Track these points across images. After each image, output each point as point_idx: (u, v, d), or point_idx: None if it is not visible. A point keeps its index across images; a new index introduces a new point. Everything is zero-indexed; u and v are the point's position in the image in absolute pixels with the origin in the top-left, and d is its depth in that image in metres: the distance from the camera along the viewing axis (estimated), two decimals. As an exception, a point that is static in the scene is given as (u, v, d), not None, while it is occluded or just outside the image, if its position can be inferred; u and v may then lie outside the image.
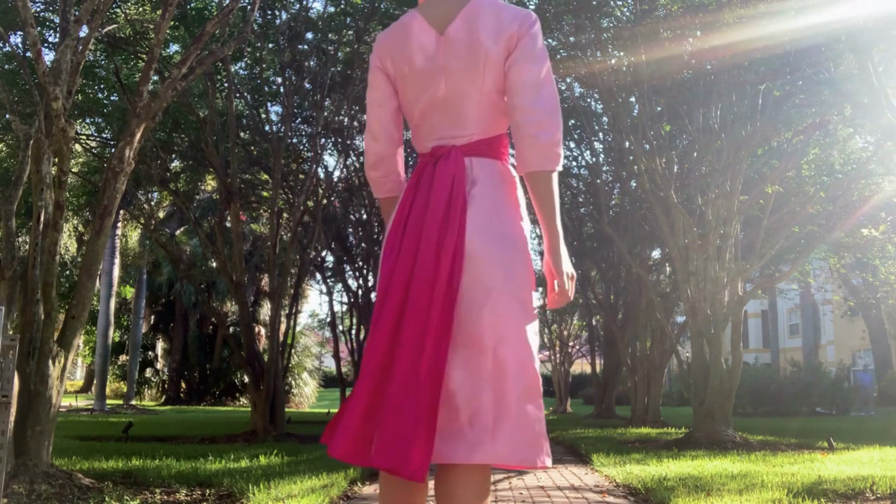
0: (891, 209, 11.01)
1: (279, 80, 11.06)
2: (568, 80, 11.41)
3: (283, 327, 11.85)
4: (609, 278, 15.95)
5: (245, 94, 10.58)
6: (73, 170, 12.12)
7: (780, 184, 9.46)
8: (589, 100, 12.71)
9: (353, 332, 15.06)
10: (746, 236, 10.23)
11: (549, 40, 9.85)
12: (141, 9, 9.61)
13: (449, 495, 1.64)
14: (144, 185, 11.81)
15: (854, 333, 30.34)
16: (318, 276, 17.62)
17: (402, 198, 1.86)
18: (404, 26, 1.90)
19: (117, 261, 20.00)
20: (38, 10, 9.00)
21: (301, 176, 11.32)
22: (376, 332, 1.72)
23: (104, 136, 11.58)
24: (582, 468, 6.24)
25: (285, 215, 10.95)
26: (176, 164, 12.76)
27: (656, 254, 15.71)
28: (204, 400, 27.71)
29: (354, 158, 14.68)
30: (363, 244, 15.52)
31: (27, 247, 4.54)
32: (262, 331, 23.41)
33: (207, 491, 4.28)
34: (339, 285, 16.36)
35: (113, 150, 7.39)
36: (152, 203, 15.92)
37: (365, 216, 15.38)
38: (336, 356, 15.03)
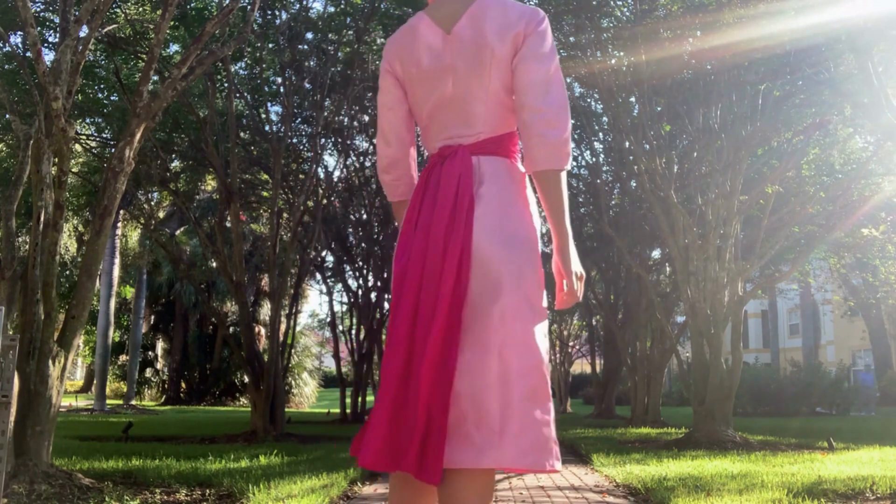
0: (891, 209, 11.01)
1: (279, 80, 11.07)
2: (568, 80, 11.41)
3: (283, 327, 11.86)
4: (609, 278, 15.96)
5: (245, 94, 10.58)
6: (73, 170, 12.12)
7: (780, 184, 9.46)
8: (589, 100, 12.72)
9: (353, 332, 15.06)
10: (746, 236, 10.23)
11: (549, 40, 9.81)
12: (141, 9, 9.61)
13: (452, 498, 1.62)
14: (144, 185, 11.81)
15: (854, 333, 30.34)
16: (318, 276, 17.62)
17: (412, 199, 1.85)
18: (412, 28, 1.90)
19: (117, 261, 20.00)
20: (38, 10, 9.00)
21: (301, 176, 11.32)
22: (392, 338, 1.70)
23: (104, 136, 11.58)
24: (582, 468, 6.24)
25: (285, 215, 10.95)
26: (176, 164, 12.76)
27: (656, 254, 15.72)
28: (204, 400, 27.71)
29: (354, 158, 14.68)
30: (363, 244, 15.52)
31: (27, 247, 4.54)
32: (262, 331, 23.41)
33: (207, 491, 4.28)
34: (339, 285, 16.38)
35: (113, 150, 7.39)
36: (152, 203, 15.92)
37: (365, 216, 15.38)
38: (336, 356, 15.03)
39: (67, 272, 18.86)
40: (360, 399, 14.63)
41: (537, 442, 1.62)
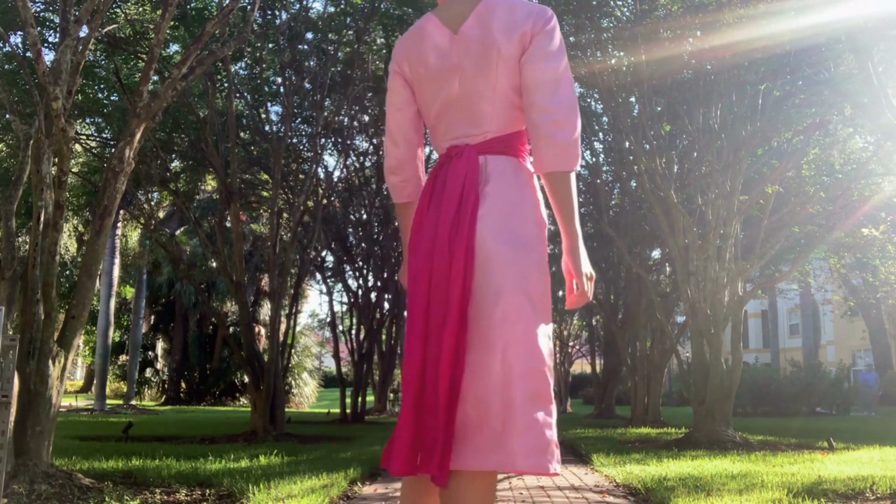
0: (891, 209, 11.01)
1: (279, 80, 11.07)
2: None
3: (283, 327, 11.86)
4: (609, 278, 15.96)
5: (245, 94, 10.59)
6: (73, 170, 12.12)
7: (780, 184, 9.46)
8: (589, 100, 12.72)
9: (353, 332, 15.06)
10: (746, 236, 10.23)
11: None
12: (141, 9, 9.61)
13: (453, 500, 1.62)
14: (144, 185, 11.81)
15: (854, 333, 30.35)
16: (318, 276, 17.63)
17: (420, 199, 1.85)
18: (420, 29, 1.89)
19: (117, 261, 20.00)
20: (38, 10, 9.00)
21: (301, 176, 11.32)
22: (409, 342, 1.70)
23: (104, 136, 11.58)
24: (582, 468, 6.24)
25: (285, 215, 10.95)
26: (176, 164, 12.76)
27: (656, 254, 15.72)
28: (204, 400, 27.72)
29: (354, 158, 14.68)
30: (363, 244, 15.53)
31: (27, 247, 4.54)
32: (262, 331, 23.42)
33: (207, 491, 4.28)
34: (339, 285, 16.39)
35: (113, 150, 7.39)
36: (152, 203, 15.92)
37: (365, 216, 15.38)
38: (336, 356, 15.03)
39: (67, 272, 18.87)
40: (360, 399, 14.63)
41: (538, 444, 1.60)
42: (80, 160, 14.46)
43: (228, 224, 10.06)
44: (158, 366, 29.86)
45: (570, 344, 25.85)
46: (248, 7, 8.39)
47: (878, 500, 4.00)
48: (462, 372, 1.62)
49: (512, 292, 1.66)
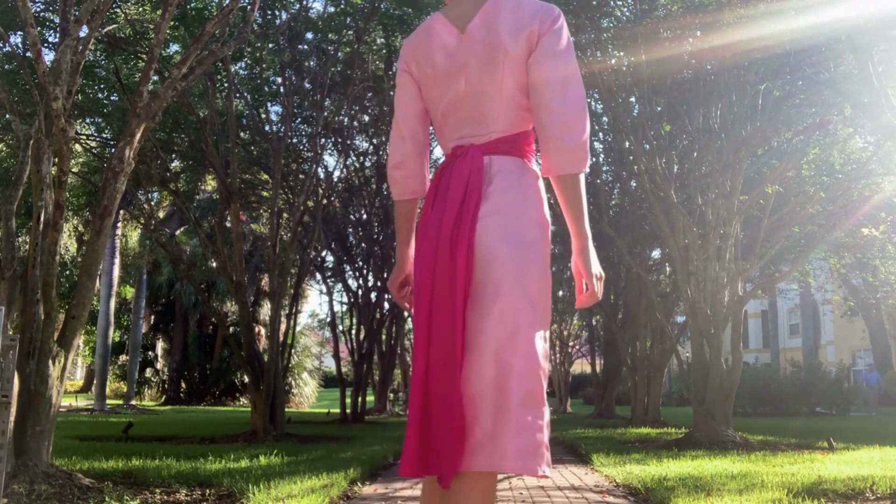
0: (891, 209, 11.00)
1: (279, 80, 11.07)
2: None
3: (283, 327, 11.86)
4: (609, 278, 15.95)
5: (245, 94, 10.58)
6: (73, 170, 12.12)
7: (780, 184, 9.46)
8: (589, 100, 12.72)
9: (353, 332, 15.06)
10: (746, 236, 10.23)
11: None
12: (141, 9, 9.61)
13: (453, 500, 1.62)
14: (144, 185, 11.82)
15: (854, 333, 30.35)
16: (318, 276, 17.63)
17: (425, 200, 1.85)
18: (428, 29, 1.89)
19: (117, 261, 20.00)
20: (38, 10, 9.00)
21: (301, 176, 11.32)
22: (416, 344, 1.70)
23: (104, 136, 11.58)
24: (582, 468, 6.24)
25: (285, 215, 10.95)
26: (176, 164, 12.76)
27: (656, 254, 15.72)
28: (204, 400, 27.72)
29: (354, 158, 14.69)
30: (363, 244, 15.53)
31: (27, 247, 4.54)
32: (262, 331, 23.42)
33: (207, 491, 4.28)
34: (339, 285, 16.39)
35: (113, 150, 7.39)
36: (152, 203, 15.93)
37: (365, 216, 15.38)
38: (336, 356, 15.03)
39: (67, 272, 18.87)
40: (360, 399, 14.64)
41: (529, 446, 1.59)
42: (80, 160, 14.45)
43: (228, 224, 10.06)
44: (158, 366, 29.86)
45: (570, 344, 25.85)
46: (248, 7, 8.39)
47: (878, 500, 4.00)
48: (460, 373, 1.62)
49: (510, 292, 1.65)
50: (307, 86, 11.05)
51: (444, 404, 1.61)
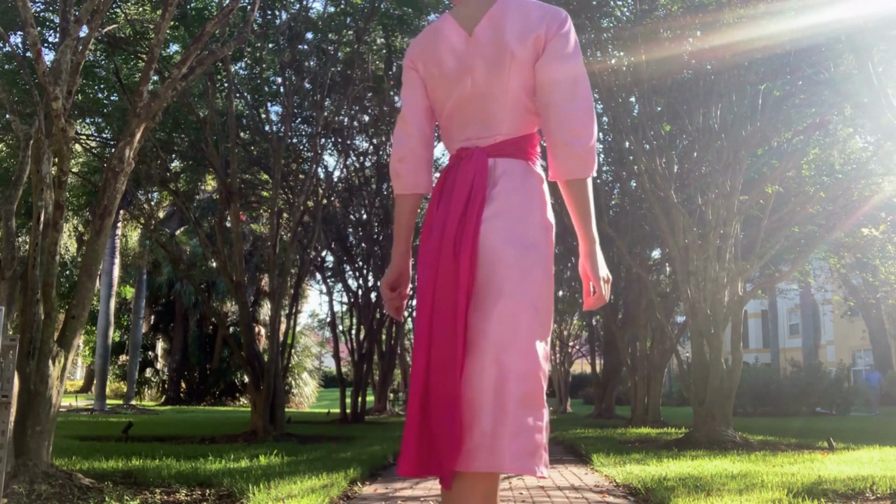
0: (891, 209, 11.01)
1: (279, 80, 11.07)
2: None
3: (283, 327, 11.86)
4: (609, 278, 15.94)
5: (245, 94, 10.58)
6: (73, 170, 12.12)
7: (780, 184, 9.46)
8: (589, 100, 12.70)
9: (353, 332, 15.06)
10: (746, 236, 10.23)
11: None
12: (141, 9, 9.61)
13: (455, 501, 1.62)
14: (144, 185, 11.81)
15: (854, 333, 30.36)
16: (318, 276, 17.63)
17: (430, 202, 1.85)
18: (435, 30, 1.89)
19: (117, 261, 20.00)
20: (38, 10, 9.00)
21: (301, 176, 11.32)
22: (417, 344, 1.70)
23: (104, 136, 11.58)
24: (582, 468, 6.24)
25: (285, 215, 10.95)
26: (176, 164, 12.76)
27: (656, 254, 15.72)
28: (204, 400, 27.72)
29: (354, 158, 14.69)
30: (363, 244, 15.53)
31: (27, 247, 4.54)
32: (262, 331, 23.42)
33: (207, 491, 4.28)
34: (339, 285, 16.39)
35: (113, 150, 7.39)
36: (152, 203, 15.93)
37: (365, 216, 15.38)
38: (336, 356, 15.04)
39: (67, 272, 18.87)
40: (360, 399, 14.64)
41: (527, 448, 1.60)
42: (80, 160, 14.45)
43: (228, 224, 10.06)
44: (158, 366, 29.86)
45: (570, 344, 25.84)
46: (248, 7, 8.38)
47: (878, 500, 4.00)
48: (460, 374, 1.62)
49: (513, 293, 1.65)
50: (307, 86, 11.05)
51: (444, 404, 1.61)
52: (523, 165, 1.80)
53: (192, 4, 9.40)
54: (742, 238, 9.48)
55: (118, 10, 9.20)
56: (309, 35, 11.00)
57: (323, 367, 34.79)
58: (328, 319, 16.58)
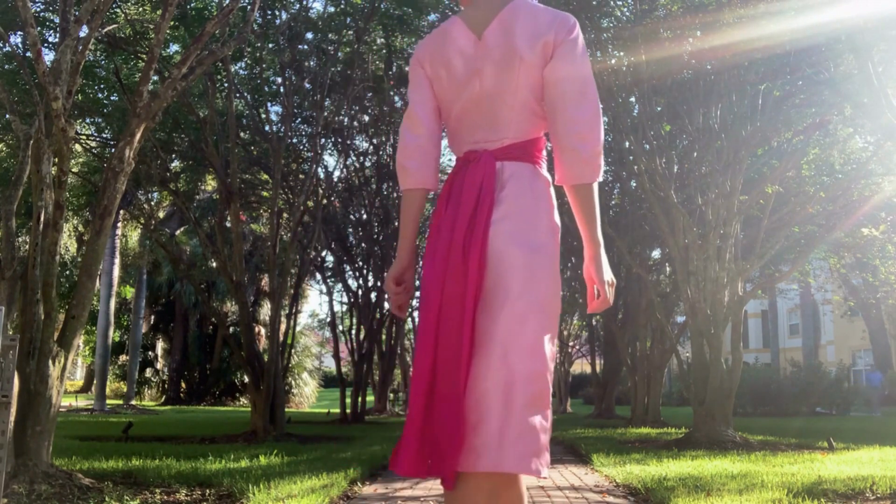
0: (891, 209, 11.00)
1: (279, 80, 11.07)
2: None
3: (283, 327, 11.86)
4: (609, 278, 15.94)
5: (245, 94, 10.58)
6: (73, 170, 12.12)
7: (780, 184, 9.46)
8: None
9: (353, 332, 15.06)
10: (746, 236, 10.23)
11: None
12: (141, 9, 9.61)
13: (458, 501, 1.62)
14: (144, 185, 11.81)
15: (854, 333, 30.36)
16: (318, 276, 17.63)
17: (437, 203, 1.86)
18: (444, 31, 1.90)
19: (117, 261, 20.00)
20: (38, 10, 9.00)
21: (301, 176, 11.32)
22: (421, 344, 1.71)
23: (104, 136, 11.58)
24: (582, 468, 6.24)
25: (285, 215, 10.95)
26: (176, 164, 12.76)
27: (656, 254, 15.72)
28: (204, 400, 27.72)
29: (354, 158, 14.69)
30: (363, 244, 15.53)
31: (27, 247, 4.54)
32: (262, 331, 23.42)
33: (207, 491, 4.28)
34: (339, 285, 16.39)
35: (113, 150, 7.39)
36: (152, 203, 15.93)
37: (365, 216, 15.38)
38: (336, 356, 15.03)
39: (67, 272, 18.87)
40: (360, 399, 14.63)
41: (532, 449, 1.60)
42: (80, 160, 14.45)
43: (228, 224, 10.06)
44: (158, 366, 29.86)
45: (570, 344, 25.86)
46: (248, 7, 8.39)
47: (878, 500, 4.00)
48: (467, 375, 1.63)
49: (520, 295, 1.67)
50: (307, 86, 11.05)
51: (449, 404, 1.62)
52: (531, 169, 1.81)
53: (192, 4, 9.40)
54: (742, 238, 9.48)
55: (118, 10, 9.20)
56: (309, 35, 11.00)
57: (323, 367, 34.80)
58: (328, 319, 16.58)
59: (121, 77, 8.13)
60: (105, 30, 7.80)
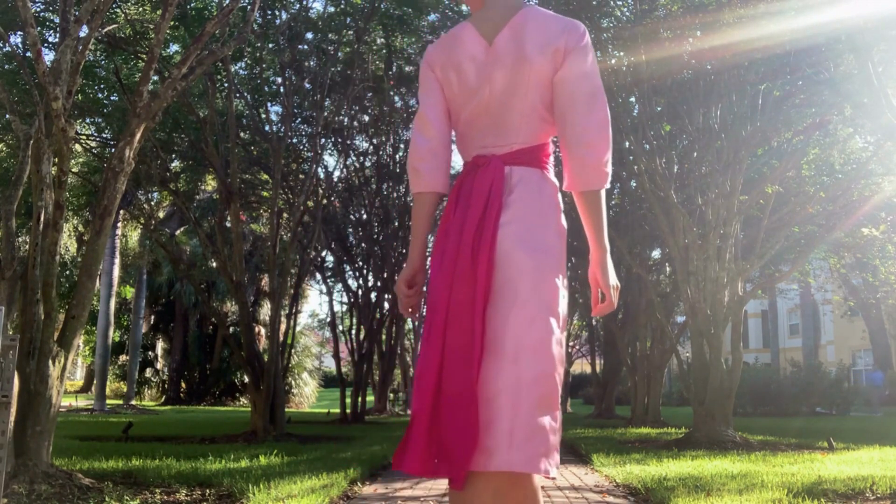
0: (891, 209, 11.00)
1: (279, 80, 11.07)
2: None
3: (283, 327, 11.86)
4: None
5: (245, 94, 10.58)
6: (73, 170, 12.12)
7: (780, 184, 9.46)
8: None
9: (353, 332, 15.06)
10: (746, 236, 10.23)
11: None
12: (141, 9, 9.61)
13: (466, 502, 1.63)
14: (144, 185, 11.81)
15: (854, 333, 30.36)
16: (318, 276, 17.63)
17: (446, 208, 1.88)
18: (455, 36, 1.91)
19: (117, 261, 20.00)
20: (38, 10, 9.00)
21: (301, 176, 11.32)
22: (428, 345, 1.72)
23: (104, 136, 11.58)
24: (582, 468, 6.24)
25: (285, 215, 10.95)
26: (176, 164, 12.76)
27: (656, 254, 15.72)
28: (204, 400, 27.71)
29: (354, 158, 14.69)
30: (363, 244, 15.53)
31: (27, 247, 4.54)
32: (262, 331, 23.42)
33: (207, 491, 4.28)
34: (339, 285, 16.39)
35: (113, 150, 7.39)
36: (152, 203, 15.93)
37: (365, 216, 15.38)
38: (336, 356, 15.03)
39: (67, 272, 18.87)
40: (360, 399, 14.63)
41: (541, 449, 1.62)
42: (80, 160, 14.45)
43: (228, 224, 10.06)
44: (158, 366, 29.86)
45: (570, 344, 25.85)
46: (248, 7, 8.39)
47: (878, 500, 4.00)
48: (477, 376, 1.64)
49: (528, 298, 1.68)
50: (307, 86, 11.04)
51: (459, 405, 1.63)
52: (538, 174, 1.84)
53: (192, 4, 9.40)
54: (742, 238, 9.48)
55: (118, 10, 9.20)
56: (309, 35, 11.00)
57: (323, 367, 34.80)
58: (328, 319, 16.58)
59: (121, 77, 8.13)
60: (105, 30, 7.80)
